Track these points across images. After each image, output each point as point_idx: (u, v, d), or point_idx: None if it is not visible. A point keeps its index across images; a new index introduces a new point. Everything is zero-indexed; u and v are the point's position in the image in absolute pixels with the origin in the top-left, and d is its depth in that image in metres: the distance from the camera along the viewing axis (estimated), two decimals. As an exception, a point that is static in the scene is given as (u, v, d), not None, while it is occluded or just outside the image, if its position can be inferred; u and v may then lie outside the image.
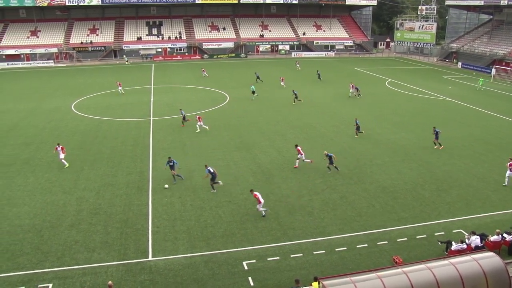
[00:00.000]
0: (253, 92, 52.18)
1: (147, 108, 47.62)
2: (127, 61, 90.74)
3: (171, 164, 27.17)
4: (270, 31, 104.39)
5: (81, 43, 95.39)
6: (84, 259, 19.44)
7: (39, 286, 17.66)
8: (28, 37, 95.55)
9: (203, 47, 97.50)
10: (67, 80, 68.73)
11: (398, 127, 39.93)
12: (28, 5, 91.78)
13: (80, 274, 18.37)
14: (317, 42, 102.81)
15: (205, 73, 69.93)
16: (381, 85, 62.22)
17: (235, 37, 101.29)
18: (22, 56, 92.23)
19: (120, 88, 56.51)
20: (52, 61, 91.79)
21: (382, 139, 36.19)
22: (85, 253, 19.88)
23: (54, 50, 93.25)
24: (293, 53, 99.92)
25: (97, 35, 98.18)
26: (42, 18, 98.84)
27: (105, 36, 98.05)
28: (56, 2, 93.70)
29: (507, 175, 26.86)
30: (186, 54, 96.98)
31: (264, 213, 23.11)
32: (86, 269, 18.74)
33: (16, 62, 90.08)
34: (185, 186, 26.92)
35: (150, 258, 19.53)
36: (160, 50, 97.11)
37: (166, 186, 26.72)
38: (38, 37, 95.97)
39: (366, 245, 20.45)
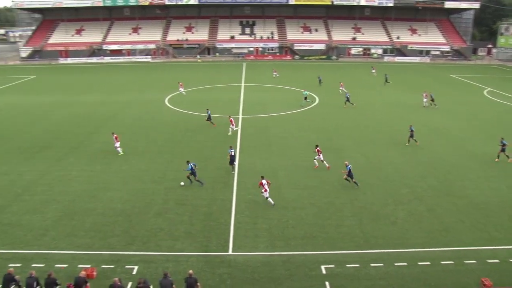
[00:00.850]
0: (306, 98, 49.74)
1: (237, 106, 48.81)
2: (199, 59, 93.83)
3: (190, 169, 26.72)
4: (363, 34, 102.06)
5: (177, 40, 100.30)
6: (167, 246, 20.36)
7: (126, 266, 18.82)
8: (130, 34, 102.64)
9: (294, 48, 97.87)
10: (162, 75, 72.58)
11: (496, 140, 36.88)
12: (132, 4, 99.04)
13: (163, 260, 19.26)
14: (411, 47, 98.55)
15: (276, 73, 69.72)
16: (479, 94, 58.12)
17: (327, 39, 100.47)
18: (123, 51, 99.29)
19: (182, 89, 55.50)
20: (149, 56, 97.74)
21: (477, 152, 33.74)
22: (169, 241, 20.81)
23: (152, 46, 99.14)
24: (385, 57, 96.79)
25: (193, 33, 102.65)
26: (143, 16, 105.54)
27: (200, 34, 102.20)
28: (156, 1, 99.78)
29: None
30: (277, 54, 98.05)
31: (273, 203, 23.98)
32: (169, 256, 19.62)
33: (118, 57, 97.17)
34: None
35: (230, 252, 19.94)
36: (252, 49, 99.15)
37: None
38: (138, 34, 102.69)
39: (452, 262, 19.17)
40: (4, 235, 21.42)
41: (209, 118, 40.59)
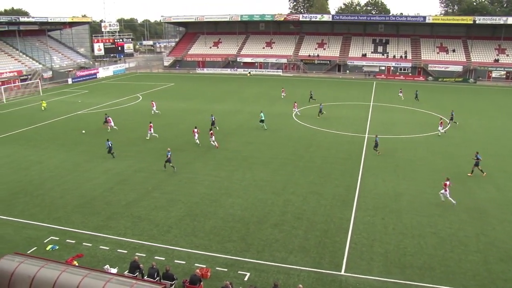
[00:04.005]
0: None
1: (364, 124, 47.97)
2: (249, 73, 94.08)
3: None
4: (507, 55, 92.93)
5: (309, 55, 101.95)
6: (281, 258, 20.74)
7: (238, 272, 19.59)
8: (263, 48, 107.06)
9: (429, 68, 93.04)
10: (292, 88, 74.30)
11: None
12: (267, 20, 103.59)
13: (274, 271, 19.67)
14: None
15: (283, 93, 66.02)
16: None
17: (465, 60, 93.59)
18: (256, 64, 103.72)
19: (154, 108, 53.79)
20: (281, 70, 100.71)
21: None
22: (283, 252, 21.19)
23: (284, 60, 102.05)
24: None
25: (324, 49, 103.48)
26: (277, 31, 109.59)
27: (332, 51, 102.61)
28: (291, 17, 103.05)
29: None
30: (410, 74, 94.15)
31: (453, 201, 25.59)
32: (280, 268, 19.98)
33: (251, 69, 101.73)
34: (390, 208, 26.20)
35: (342, 272, 19.66)
36: (383, 68, 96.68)
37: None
38: (272, 48, 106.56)
39: None
40: (135, 227, 23.81)
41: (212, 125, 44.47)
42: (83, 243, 22.03)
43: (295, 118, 51.00)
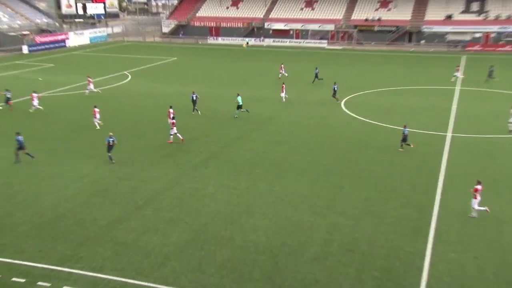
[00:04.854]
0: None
1: (445, 118, 47.15)
2: (247, 43, 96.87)
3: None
4: None
5: (366, 20, 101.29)
6: (324, 307, 20.41)
7: (264, 326, 19.33)
8: (301, 9, 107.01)
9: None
10: (341, 68, 73.63)
11: None
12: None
13: (315, 327, 19.34)
14: None
15: (282, 71, 67.34)
16: None
17: None
18: (291, 32, 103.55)
19: (90, 86, 57.59)
20: (325, 41, 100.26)
21: None
22: (327, 300, 20.85)
23: (330, 27, 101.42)
24: None
25: (389, 10, 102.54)
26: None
27: (400, 13, 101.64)
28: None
29: None
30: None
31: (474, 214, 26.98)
32: (324, 322, 19.63)
33: (283, 40, 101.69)
34: (487, 242, 25.41)
35: (414, 332, 19.21)
36: (478, 35, 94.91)
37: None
38: (313, 9, 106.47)
39: None
40: (116, 257, 23.69)
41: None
42: (38, 283, 21.91)
43: (345, 108, 50.51)
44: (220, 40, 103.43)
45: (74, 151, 38.29)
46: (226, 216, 27.77)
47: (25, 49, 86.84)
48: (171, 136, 39.72)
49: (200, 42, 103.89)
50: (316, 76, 64.37)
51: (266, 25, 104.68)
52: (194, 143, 39.73)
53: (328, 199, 29.94)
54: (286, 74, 66.90)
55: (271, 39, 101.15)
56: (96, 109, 44.16)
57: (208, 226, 26.64)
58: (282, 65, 68.49)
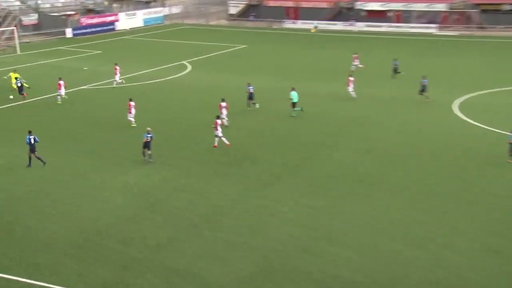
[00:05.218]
0: None
1: None
2: (315, 27, 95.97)
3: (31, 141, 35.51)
4: None
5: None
6: None
7: None
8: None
9: None
10: (452, 59, 72.18)
11: None
12: None
13: None
14: None
15: (356, 62, 66.54)
16: None
17: None
18: (390, 14, 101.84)
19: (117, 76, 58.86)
20: (434, 25, 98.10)
21: None
22: None
23: (442, 6, 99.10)
24: None
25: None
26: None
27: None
28: None
29: None
30: None
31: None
32: None
33: (379, 24, 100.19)
34: None
35: None
36: None
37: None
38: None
39: None
40: (165, 286, 23.70)
41: None
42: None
43: (458, 112, 49.12)
44: (300, 24, 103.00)
45: (119, 154, 38.86)
46: (299, 241, 27.49)
47: (69, 32, 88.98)
48: (216, 139, 40.01)
49: (274, 26, 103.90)
50: (395, 70, 63.78)
51: (357, 5, 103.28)
52: (260, 151, 39.71)
53: (431, 227, 29.07)
54: (362, 66, 66.41)
55: (364, 23, 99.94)
56: (132, 103, 44.80)
57: (278, 253, 26.38)
58: (356, 55, 68.08)
